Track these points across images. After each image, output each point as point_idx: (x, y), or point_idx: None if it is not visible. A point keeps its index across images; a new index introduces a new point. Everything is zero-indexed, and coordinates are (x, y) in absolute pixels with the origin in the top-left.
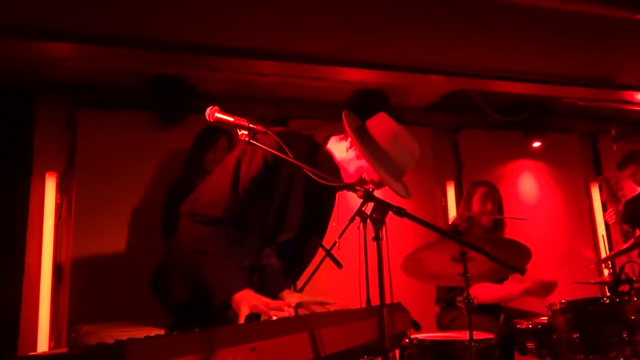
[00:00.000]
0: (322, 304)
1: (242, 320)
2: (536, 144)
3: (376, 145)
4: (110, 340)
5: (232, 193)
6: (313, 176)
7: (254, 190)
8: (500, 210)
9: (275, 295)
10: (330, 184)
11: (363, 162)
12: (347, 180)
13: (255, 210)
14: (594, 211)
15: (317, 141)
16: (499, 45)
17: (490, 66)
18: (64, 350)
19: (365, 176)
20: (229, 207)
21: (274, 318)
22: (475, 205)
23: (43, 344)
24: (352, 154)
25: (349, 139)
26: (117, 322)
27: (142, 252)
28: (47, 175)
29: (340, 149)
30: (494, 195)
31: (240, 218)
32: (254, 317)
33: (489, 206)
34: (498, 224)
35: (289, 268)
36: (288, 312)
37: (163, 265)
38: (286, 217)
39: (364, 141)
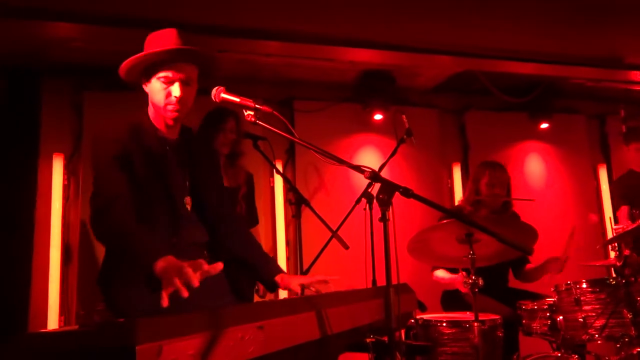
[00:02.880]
0: (324, 282)
1: (164, 303)
2: (544, 126)
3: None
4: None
5: (111, 170)
6: (319, 155)
7: (132, 174)
8: (508, 192)
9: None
10: (338, 164)
11: (154, 76)
12: (166, 109)
13: (146, 193)
14: (601, 193)
15: (146, 122)
16: (506, 25)
17: (498, 46)
18: (75, 327)
19: (163, 79)
20: (118, 181)
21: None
22: (484, 189)
23: (53, 323)
24: (148, 86)
25: (140, 82)
26: None
27: None
28: (54, 156)
29: (150, 107)
30: (502, 179)
31: (145, 207)
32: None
33: (498, 190)
34: (506, 206)
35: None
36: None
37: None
38: (173, 192)
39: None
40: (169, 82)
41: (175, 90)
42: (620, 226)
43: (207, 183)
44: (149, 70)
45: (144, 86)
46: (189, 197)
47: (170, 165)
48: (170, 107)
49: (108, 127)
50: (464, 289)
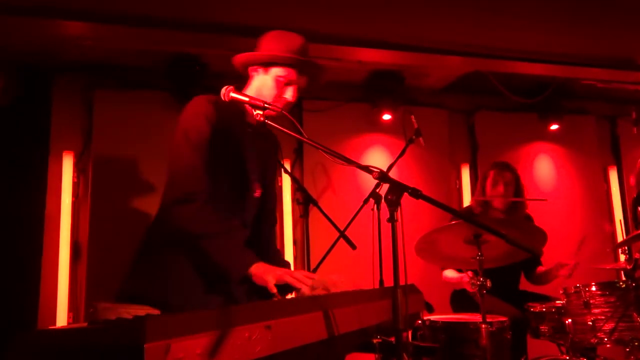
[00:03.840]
0: (333, 285)
1: (273, 289)
2: (553, 127)
3: (270, 50)
4: (128, 317)
5: (199, 158)
6: (327, 155)
7: (214, 150)
8: (517, 191)
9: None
10: (346, 164)
11: (273, 71)
12: (274, 103)
13: (222, 170)
14: (611, 195)
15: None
16: (516, 25)
17: (508, 47)
18: (84, 324)
19: (282, 79)
20: (204, 169)
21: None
22: (489, 189)
23: (62, 320)
24: (260, 75)
25: (249, 68)
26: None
27: None
28: (64, 154)
29: (250, 90)
30: (506, 177)
31: (218, 183)
32: (283, 286)
33: (501, 189)
34: (517, 206)
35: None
36: (309, 285)
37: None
38: (248, 176)
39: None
40: (286, 84)
41: (290, 94)
42: None
43: (270, 178)
44: (271, 64)
45: (252, 71)
46: (258, 184)
47: (247, 149)
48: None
49: (203, 102)
50: (471, 289)
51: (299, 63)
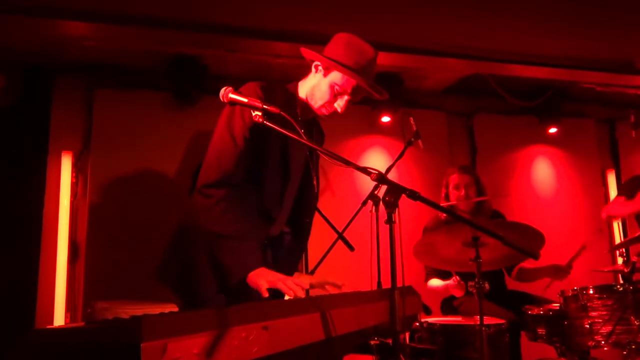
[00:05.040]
0: (333, 285)
1: (265, 294)
2: (552, 130)
3: (338, 55)
4: (126, 316)
5: (234, 147)
6: (326, 157)
7: (255, 142)
8: (479, 191)
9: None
10: (345, 165)
11: (331, 77)
12: (321, 108)
13: (260, 164)
14: (609, 199)
15: (290, 90)
16: (516, 28)
17: (507, 50)
18: (82, 324)
19: (338, 89)
20: (236, 162)
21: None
22: (452, 194)
23: (59, 320)
24: (319, 75)
25: (313, 64)
26: (132, 299)
27: (157, 230)
28: (63, 154)
29: (306, 83)
30: (465, 180)
31: (251, 177)
32: (275, 291)
33: (464, 191)
34: (481, 207)
35: (299, 224)
36: (299, 294)
37: (180, 252)
38: (290, 170)
39: (327, 55)
40: (341, 93)
41: (341, 104)
42: None
43: (313, 169)
44: (332, 68)
45: (314, 67)
46: (299, 174)
47: (291, 139)
48: (324, 110)
49: (254, 88)
50: (458, 294)
51: (358, 79)
